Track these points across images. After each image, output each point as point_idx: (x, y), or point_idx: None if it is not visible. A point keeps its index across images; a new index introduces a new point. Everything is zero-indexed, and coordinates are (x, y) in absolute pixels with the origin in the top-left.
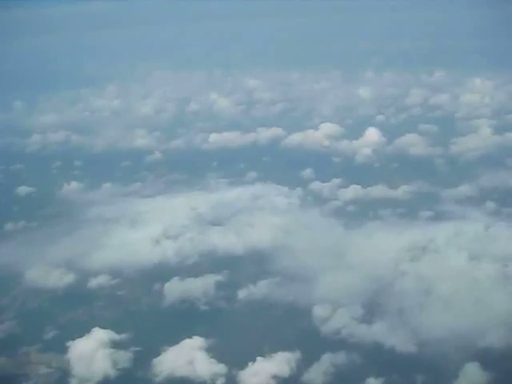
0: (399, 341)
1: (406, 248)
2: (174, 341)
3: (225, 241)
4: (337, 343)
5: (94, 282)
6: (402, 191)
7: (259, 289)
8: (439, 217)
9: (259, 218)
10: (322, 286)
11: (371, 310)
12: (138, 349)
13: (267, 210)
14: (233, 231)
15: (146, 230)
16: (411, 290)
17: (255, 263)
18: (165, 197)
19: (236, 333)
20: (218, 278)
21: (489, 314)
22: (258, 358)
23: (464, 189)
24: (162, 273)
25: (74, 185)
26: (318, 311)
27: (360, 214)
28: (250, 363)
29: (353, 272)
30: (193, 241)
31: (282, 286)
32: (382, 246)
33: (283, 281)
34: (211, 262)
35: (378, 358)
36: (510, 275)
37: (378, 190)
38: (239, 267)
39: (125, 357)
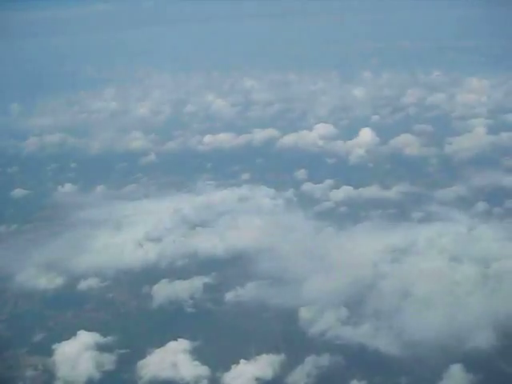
0: (382, 343)
1: (387, 250)
2: (160, 343)
3: (207, 243)
4: (321, 345)
5: (83, 285)
6: (394, 192)
7: (245, 291)
8: (427, 218)
9: (243, 221)
10: (303, 288)
11: (352, 312)
12: (123, 351)
13: (252, 212)
14: (216, 233)
15: (129, 233)
16: (389, 292)
17: (237, 266)
18: (152, 199)
19: (221, 335)
20: (205, 280)
21: (466, 316)
22: (242, 361)
23: (456, 189)
24: (150, 275)
25: (68, 187)
26: (303, 313)
27: (350, 215)
28: (233, 366)
29: (334, 274)
30: (175, 243)
31: (264, 289)
32: (365, 247)
33: (265, 283)
34: (194, 265)
35: (362, 359)
36: (490, 277)
37: (370, 191)
38: (220, 270)
39: (110, 359)
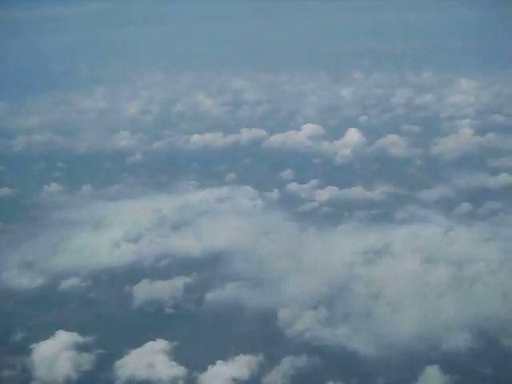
0: (356, 344)
1: (363, 251)
2: (139, 343)
3: (184, 244)
4: (298, 346)
5: (64, 285)
6: (378, 193)
7: (224, 292)
8: (406, 219)
9: (222, 221)
10: (278, 289)
11: (323, 314)
12: (101, 351)
13: (231, 212)
14: (193, 234)
15: (108, 233)
16: (360, 294)
17: (215, 267)
18: (134, 199)
19: (200, 335)
20: (186, 280)
21: (435, 318)
22: (218, 361)
23: (440, 190)
24: (131, 275)
25: (54, 187)
26: (280, 314)
27: (333, 215)
28: (210, 366)
29: (307, 276)
30: (152, 244)
31: (242, 290)
32: (341, 249)
33: (243, 284)
34: (172, 265)
35: (339, 361)
36: (462, 279)
37: (355, 192)
38: (199, 271)
39: (88, 359)
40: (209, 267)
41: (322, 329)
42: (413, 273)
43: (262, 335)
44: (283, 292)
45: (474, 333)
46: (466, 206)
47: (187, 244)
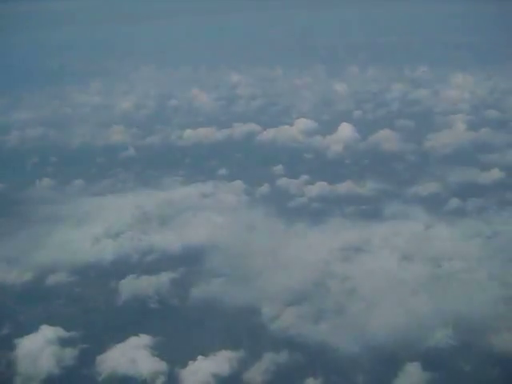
0: (334, 340)
1: (341, 248)
2: (123, 338)
3: (162, 240)
4: (280, 342)
5: (50, 280)
6: (368, 188)
7: (209, 287)
8: (391, 215)
9: (202, 217)
10: (253, 286)
11: (294, 311)
12: (85, 346)
13: (214, 208)
14: (173, 230)
15: (88, 229)
16: (335, 291)
17: (191, 263)
18: (119, 194)
19: (184, 331)
20: (171, 276)
21: (407, 316)
22: (199, 357)
23: (430, 186)
24: (119, 270)
25: (46, 181)
26: (260, 311)
27: (321, 211)
28: (190, 362)
29: (283, 273)
30: (132, 240)
31: (225, 286)
32: (322, 245)
33: (224, 280)
34: (150, 261)
35: (319, 357)
36: (440, 276)
37: (345, 187)
38: (174, 267)
39: (71, 354)
40: (187, 263)
41: (299, 326)
42: (389, 270)
43: (243, 331)
44: (260, 289)
45: (445, 330)
46: (454, 202)
47: (167, 240)
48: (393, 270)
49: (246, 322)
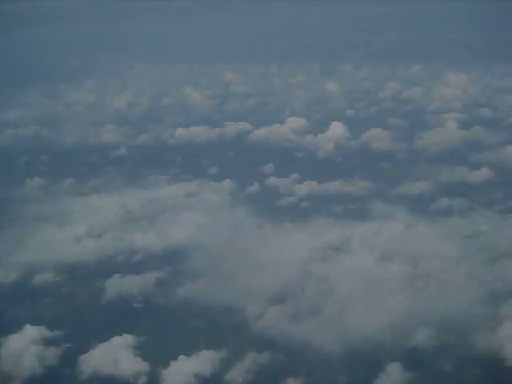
0: (311, 340)
1: (321, 248)
2: (107, 338)
3: (145, 240)
4: (263, 342)
5: (37, 279)
6: (357, 187)
7: (193, 287)
8: (376, 215)
9: (185, 217)
10: (231, 286)
11: (269, 311)
12: (69, 346)
13: (197, 208)
14: (155, 230)
15: (71, 229)
16: (313, 291)
17: (172, 263)
18: (105, 194)
19: (168, 331)
20: (157, 275)
21: (383, 316)
22: (181, 357)
23: (420, 185)
24: (101, 270)
25: (36, 181)
26: (244, 310)
27: (308, 210)
28: (172, 362)
29: (262, 273)
30: (114, 240)
31: (206, 286)
32: (303, 245)
33: (194, 280)
34: (132, 261)
35: (301, 357)
36: (417, 276)
37: (334, 186)
38: (157, 267)
39: (54, 354)
40: (168, 264)
41: (280, 325)
42: (367, 270)
43: (224, 331)
44: (239, 289)
45: (421, 330)
46: (442, 202)
47: (148, 240)
48: (371, 270)
49: (228, 321)
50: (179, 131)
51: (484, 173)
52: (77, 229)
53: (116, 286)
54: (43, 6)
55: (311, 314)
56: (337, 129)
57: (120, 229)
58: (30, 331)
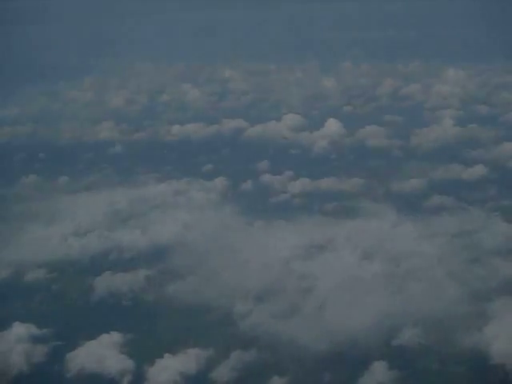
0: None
1: (304, 246)
2: (95, 336)
3: (130, 238)
4: (250, 340)
5: (28, 277)
6: (351, 185)
7: (180, 285)
8: (365, 213)
9: (171, 215)
10: (216, 284)
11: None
12: (57, 343)
13: (184, 206)
14: (141, 228)
15: (58, 227)
16: (293, 289)
17: (156, 261)
18: (94, 191)
19: (156, 328)
20: (147, 273)
21: (359, 315)
22: (166, 355)
23: (413, 183)
24: (93, 268)
25: (32, 178)
26: (232, 308)
27: (300, 208)
28: (158, 360)
29: (243, 271)
30: (100, 238)
31: (191, 285)
32: (288, 243)
33: (181, 279)
34: (118, 259)
35: (287, 356)
36: (396, 275)
37: (328, 183)
38: (136, 265)
39: (42, 351)
40: (152, 262)
41: (265, 323)
42: (348, 269)
43: (208, 329)
44: (220, 287)
45: (401, 329)
46: (434, 200)
47: (134, 238)
48: (352, 269)
49: (213, 319)
50: (176, 128)
51: (478, 170)
52: (64, 227)
53: (106, 283)
54: (41, 4)
55: (294, 312)
56: (332, 126)
57: (106, 227)
58: (19, 329)
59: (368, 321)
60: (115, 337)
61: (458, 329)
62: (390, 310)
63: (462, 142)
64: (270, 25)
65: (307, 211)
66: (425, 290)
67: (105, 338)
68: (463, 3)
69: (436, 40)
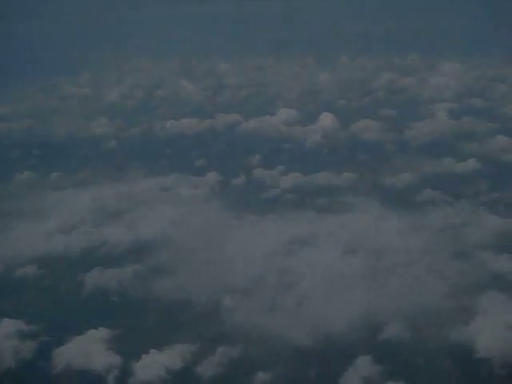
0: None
1: (287, 241)
2: (83, 331)
3: (115, 234)
4: (235, 336)
5: (18, 273)
6: (343, 179)
7: (156, 282)
8: (353, 207)
9: (157, 211)
10: (202, 280)
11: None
12: (45, 339)
13: (171, 202)
14: (127, 224)
15: (46, 224)
16: (275, 285)
17: (142, 257)
18: (82, 188)
19: (145, 324)
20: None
21: (338, 311)
22: (152, 351)
23: (405, 177)
24: (84, 264)
25: (26, 175)
26: (224, 303)
27: (290, 203)
28: (143, 355)
29: (225, 266)
30: (85, 234)
31: (163, 280)
32: (268, 239)
33: (166, 275)
34: (102, 256)
35: (273, 351)
36: (379, 270)
37: (320, 178)
38: (121, 261)
39: (30, 347)
40: (137, 258)
41: (251, 318)
42: (329, 264)
43: (195, 324)
44: (205, 283)
45: (387, 324)
46: (425, 194)
47: (119, 234)
48: (333, 265)
49: (199, 315)
50: (170, 123)
51: (471, 164)
52: (52, 224)
53: (95, 279)
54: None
55: (279, 308)
56: (326, 120)
57: (93, 223)
58: (8, 325)
59: (353, 315)
60: (102, 332)
61: (443, 323)
62: (375, 304)
63: (456, 135)
64: (264, 18)
65: (297, 206)
66: (409, 284)
67: (92, 333)
68: None
69: (432, 33)
